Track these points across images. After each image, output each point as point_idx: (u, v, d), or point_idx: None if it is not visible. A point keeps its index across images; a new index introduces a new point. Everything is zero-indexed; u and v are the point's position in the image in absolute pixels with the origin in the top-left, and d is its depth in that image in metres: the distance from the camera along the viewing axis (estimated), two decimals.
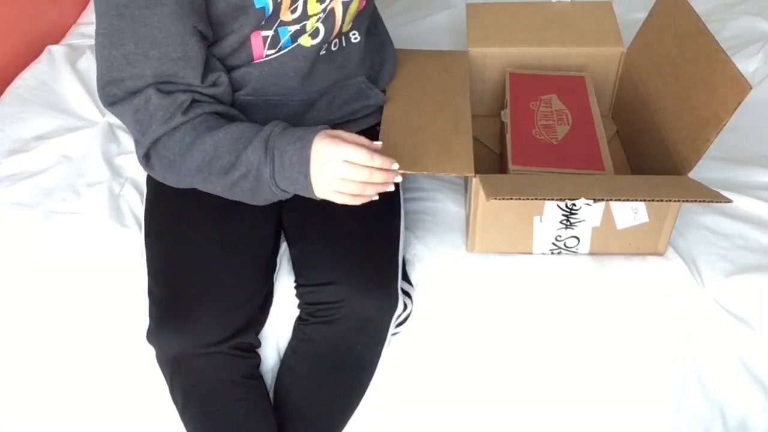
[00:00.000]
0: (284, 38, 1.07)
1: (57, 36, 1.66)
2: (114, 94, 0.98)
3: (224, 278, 1.06)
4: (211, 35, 1.02)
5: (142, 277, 1.15)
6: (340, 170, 0.94)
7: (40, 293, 1.18)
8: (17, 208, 1.23)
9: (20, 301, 1.18)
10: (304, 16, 1.06)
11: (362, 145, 0.95)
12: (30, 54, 1.55)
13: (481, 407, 1.22)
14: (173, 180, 1.02)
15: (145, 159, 1.01)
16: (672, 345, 1.16)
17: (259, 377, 1.12)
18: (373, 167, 0.94)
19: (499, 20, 1.31)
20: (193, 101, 0.99)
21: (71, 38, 1.66)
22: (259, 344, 1.11)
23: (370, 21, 1.21)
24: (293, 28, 1.06)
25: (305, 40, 1.09)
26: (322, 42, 1.11)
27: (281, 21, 1.05)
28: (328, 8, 1.07)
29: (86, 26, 1.69)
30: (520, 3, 1.43)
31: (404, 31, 1.62)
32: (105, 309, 1.17)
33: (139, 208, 1.24)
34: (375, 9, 1.24)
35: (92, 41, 1.60)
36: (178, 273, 1.06)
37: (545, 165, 1.12)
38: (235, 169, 0.97)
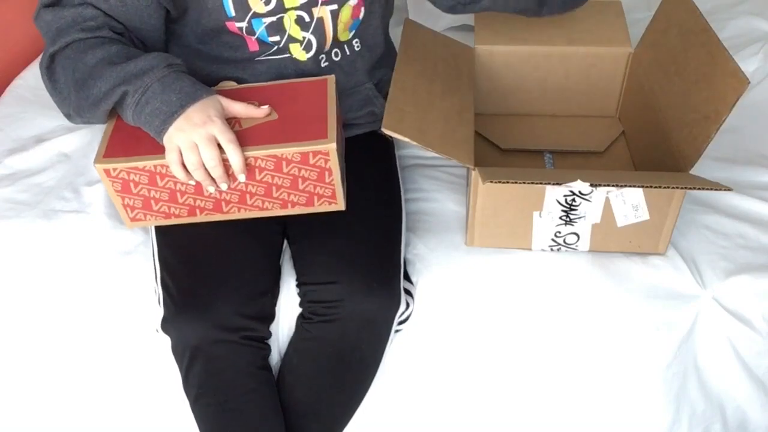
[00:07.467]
0: (259, 30, 1.07)
1: None
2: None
3: (241, 268, 1.07)
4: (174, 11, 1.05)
5: (142, 274, 1.16)
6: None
7: (40, 291, 1.17)
8: (17, 207, 1.23)
9: (20, 299, 1.18)
10: (281, 8, 1.06)
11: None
12: (30, 54, 1.55)
13: (482, 405, 1.22)
14: (65, 80, 1.02)
15: (50, 62, 1.02)
16: (672, 344, 1.16)
17: (269, 368, 1.12)
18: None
19: (507, 18, 1.31)
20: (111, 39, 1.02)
21: None
22: (270, 336, 1.11)
23: (384, 33, 1.22)
24: (269, 20, 1.07)
25: (300, 54, 1.10)
26: (317, 54, 1.11)
27: (255, 12, 1.05)
28: (317, 18, 1.08)
29: None
30: None
31: None
32: (105, 307, 1.17)
33: None
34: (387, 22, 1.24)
35: None
36: (196, 261, 1.07)
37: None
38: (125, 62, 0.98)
